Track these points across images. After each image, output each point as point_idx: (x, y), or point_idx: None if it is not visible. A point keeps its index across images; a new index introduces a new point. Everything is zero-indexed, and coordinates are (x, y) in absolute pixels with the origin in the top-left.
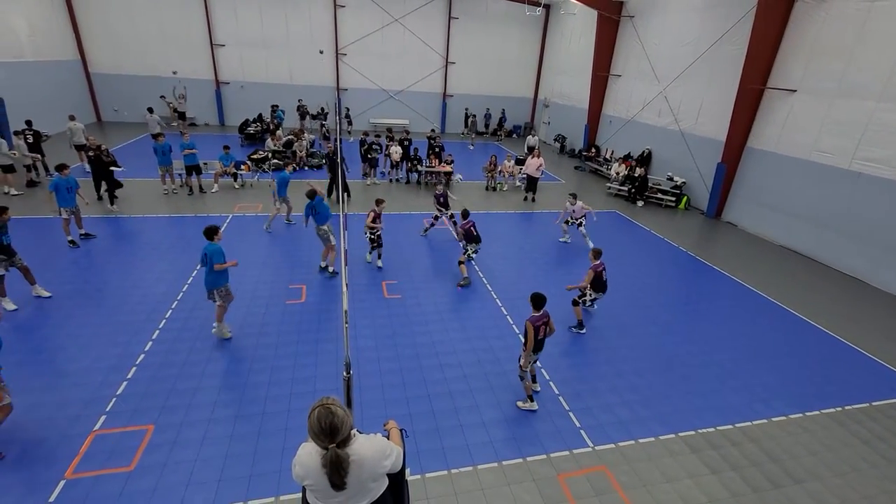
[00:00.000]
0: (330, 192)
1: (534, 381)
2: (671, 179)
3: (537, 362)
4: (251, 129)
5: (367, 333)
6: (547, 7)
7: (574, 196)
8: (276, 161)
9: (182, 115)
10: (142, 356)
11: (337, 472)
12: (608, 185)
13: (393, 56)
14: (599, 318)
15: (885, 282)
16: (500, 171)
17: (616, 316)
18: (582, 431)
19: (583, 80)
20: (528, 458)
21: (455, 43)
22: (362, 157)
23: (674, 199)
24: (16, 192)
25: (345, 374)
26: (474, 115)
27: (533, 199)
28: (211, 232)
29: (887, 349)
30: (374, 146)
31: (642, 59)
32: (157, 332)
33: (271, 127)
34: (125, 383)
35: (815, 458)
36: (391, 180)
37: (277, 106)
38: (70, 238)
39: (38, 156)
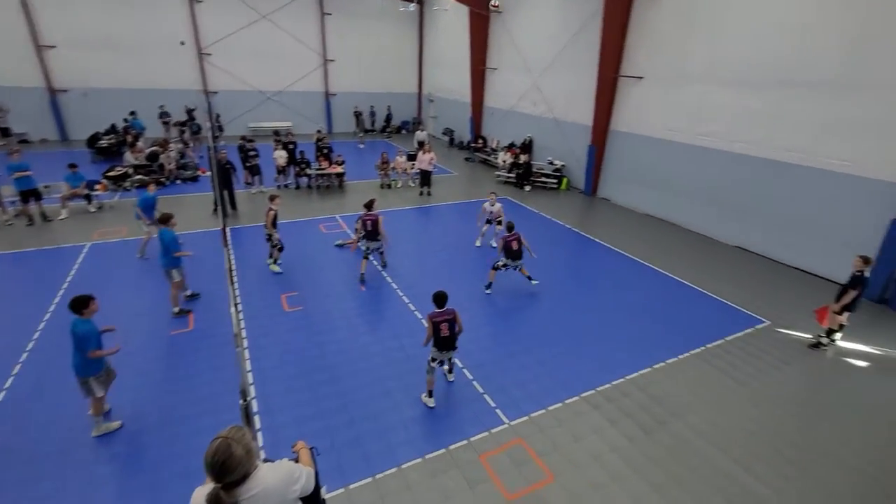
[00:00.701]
0: (216, 206)
1: (450, 371)
2: (552, 163)
3: (452, 360)
4: (104, 143)
5: (271, 352)
6: (420, 3)
7: (494, 195)
8: (139, 177)
9: (5, 132)
10: None
11: None
12: (497, 173)
13: (266, 55)
14: (501, 299)
15: (725, 235)
16: (394, 168)
17: (516, 295)
18: (497, 410)
19: (463, 74)
20: (450, 447)
21: (331, 40)
22: (242, 164)
23: (556, 181)
24: None
25: (241, 401)
26: (361, 113)
27: (429, 193)
28: (80, 304)
29: (731, 291)
30: (250, 152)
31: (514, 52)
32: (3, 392)
33: (129, 139)
34: None
35: (690, 394)
36: (279, 186)
37: (134, 113)
38: None
39: None
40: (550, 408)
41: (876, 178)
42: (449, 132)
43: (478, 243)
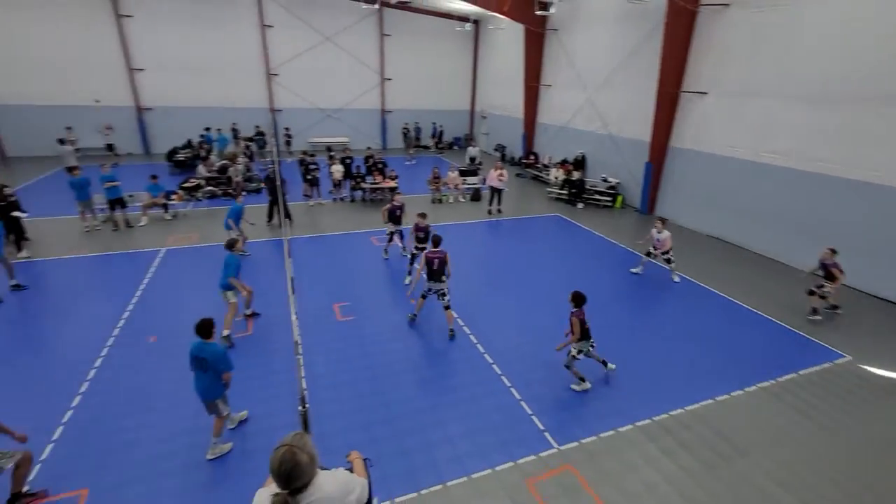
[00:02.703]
0: (271, 217)
1: (605, 364)
2: (606, 181)
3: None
4: (181, 157)
5: (322, 360)
6: (476, 23)
7: (662, 221)
8: (210, 188)
9: (110, 147)
10: (69, 412)
11: None
12: (548, 189)
13: (328, 75)
14: (549, 318)
15: (798, 260)
16: (445, 184)
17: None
18: (546, 433)
19: (516, 91)
20: (496, 468)
21: (390, 59)
22: (302, 177)
23: (610, 199)
24: None
25: (300, 407)
26: (408, 130)
27: (499, 210)
28: (207, 328)
29: (804, 321)
30: (311, 166)
31: (569, 69)
32: (86, 384)
33: (202, 153)
34: (51, 445)
35: (758, 431)
36: (334, 199)
37: (209, 129)
38: None
39: None
40: (602, 434)
41: None
42: (500, 148)
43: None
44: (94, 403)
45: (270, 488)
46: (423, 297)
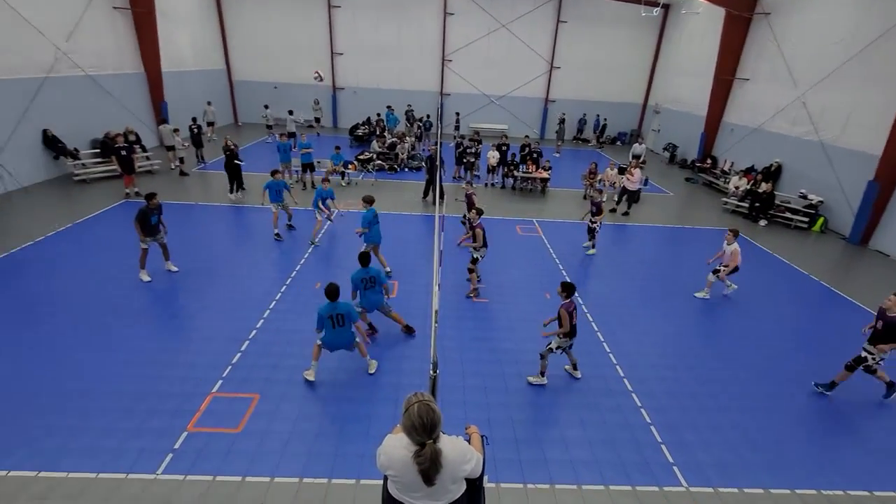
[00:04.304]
0: (426, 194)
1: (574, 367)
2: (804, 197)
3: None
4: (360, 132)
5: (452, 335)
6: (666, 7)
7: (735, 234)
8: (379, 162)
9: (318, 120)
10: (254, 332)
11: (435, 466)
12: (724, 199)
13: (497, 61)
14: (703, 346)
15: None
16: (601, 180)
17: (727, 345)
18: (675, 468)
19: (702, 84)
20: (610, 487)
21: (561, 47)
22: (457, 160)
23: (806, 219)
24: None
25: (431, 372)
26: (564, 121)
27: (625, 213)
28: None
29: None
30: (468, 150)
31: (777, 60)
32: (268, 311)
33: (378, 130)
34: (239, 354)
35: None
36: (486, 184)
37: (392, 109)
38: (276, 231)
39: (183, 146)
40: (747, 490)
41: None
42: (671, 147)
43: (702, 294)
44: (270, 328)
45: (401, 437)
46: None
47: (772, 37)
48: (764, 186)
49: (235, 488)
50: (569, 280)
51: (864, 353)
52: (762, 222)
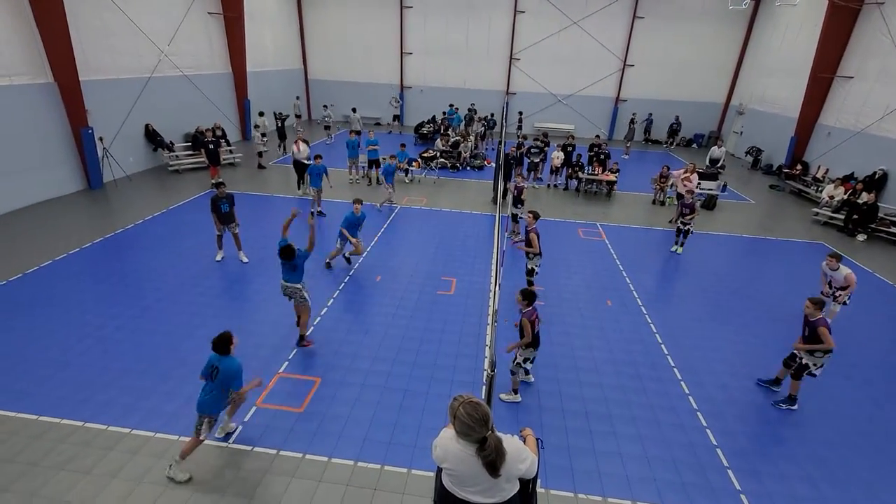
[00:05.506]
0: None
1: (526, 373)
2: None
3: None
4: (424, 130)
5: (506, 336)
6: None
7: (837, 258)
8: (442, 160)
9: (397, 118)
10: (318, 318)
11: (501, 456)
12: (815, 210)
13: (565, 60)
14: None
15: None
16: (672, 185)
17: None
18: (743, 496)
19: (795, 83)
20: None
21: (636, 44)
22: (517, 160)
23: None
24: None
25: (489, 371)
26: (634, 121)
27: (670, 221)
28: (225, 343)
29: None
30: (532, 149)
31: (890, 56)
32: (331, 300)
33: (442, 129)
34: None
35: None
36: (548, 185)
37: (456, 108)
38: (311, 212)
39: (262, 142)
40: None
41: None
42: (754, 152)
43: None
44: (332, 316)
45: (453, 430)
46: None
47: (885, 30)
48: (865, 196)
49: (295, 465)
50: (528, 288)
51: (805, 361)
52: (860, 237)
